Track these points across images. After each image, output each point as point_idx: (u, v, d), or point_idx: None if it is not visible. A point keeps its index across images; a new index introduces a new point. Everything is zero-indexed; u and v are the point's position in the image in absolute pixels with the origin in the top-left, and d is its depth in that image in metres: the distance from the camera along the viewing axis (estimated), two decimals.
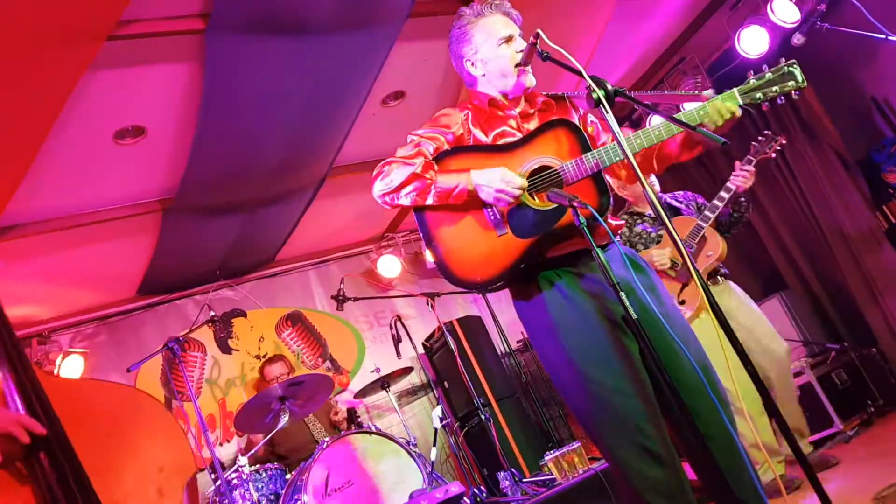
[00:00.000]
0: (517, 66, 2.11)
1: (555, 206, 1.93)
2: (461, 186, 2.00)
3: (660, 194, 3.76)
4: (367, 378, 4.97)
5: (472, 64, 2.21)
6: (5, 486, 1.22)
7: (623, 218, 3.68)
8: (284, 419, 3.87)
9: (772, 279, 5.30)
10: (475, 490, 4.11)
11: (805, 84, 1.95)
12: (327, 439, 3.89)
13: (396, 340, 4.72)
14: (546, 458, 3.88)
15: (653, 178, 3.66)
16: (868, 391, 4.22)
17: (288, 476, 3.90)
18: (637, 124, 5.42)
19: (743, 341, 1.74)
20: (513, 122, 2.15)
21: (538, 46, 1.95)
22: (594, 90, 1.79)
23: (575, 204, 1.79)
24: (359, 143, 4.39)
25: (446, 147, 2.13)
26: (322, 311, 5.87)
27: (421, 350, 5.42)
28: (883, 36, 3.15)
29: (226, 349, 5.43)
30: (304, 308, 5.81)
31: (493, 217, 2.03)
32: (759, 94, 1.95)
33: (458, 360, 4.62)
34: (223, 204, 4.40)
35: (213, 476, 3.88)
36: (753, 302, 3.59)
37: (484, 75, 2.19)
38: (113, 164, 3.73)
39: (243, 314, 5.59)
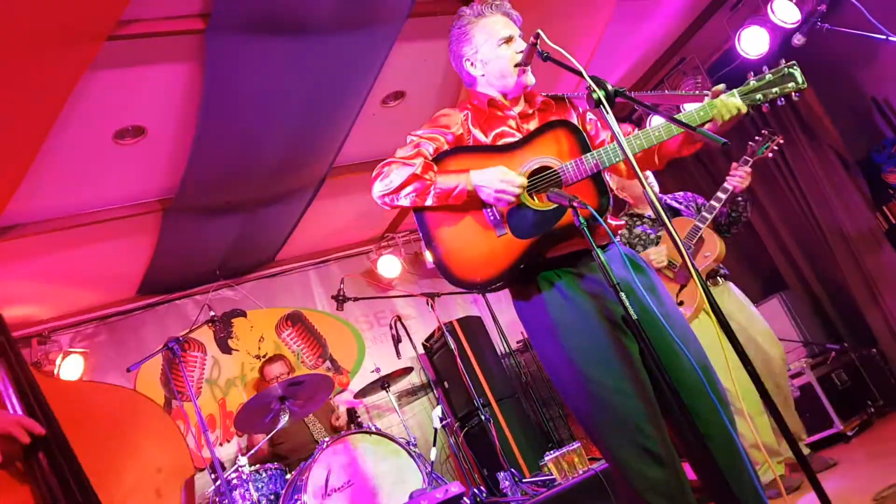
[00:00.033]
0: (517, 66, 2.11)
1: (555, 206, 1.93)
2: (461, 187, 1.99)
3: (660, 195, 3.76)
4: (367, 378, 4.97)
5: (472, 64, 2.21)
6: (5, 486, 1.22)
7: (622, 219, 3.68)
8: (284, 419, 3.88)
9: (772, 279, 5.30)
10: (475, 490, 4.11)
11: (805, 85, 1.95)
12: (327, 439, 3.89)
13: (396, 340, 4.72)
14: (546, 458, 3.87)
15: (652, 179, 3.67)
16: (868, 392, 4.22)
17: (288, 476, 3.91)
18: (637, 124, 5.41)
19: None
20: (512, 123, 2.15)
21: (538, 47, 1.95)
22: (594, 90, 1.79)
23: (575, 204, 1.79)
24: (359, 143, 4.39)
25: (446, 147, 2.13)
26: (322, 311, 5.87)
27: (421, 350, 5.43)
28: (883, 36, 3.15)
29: (226, 349, 5.43)
30: (304, 308, 5.81)
31: (492, 217, 2.03)
32: (759, 96, 1.96)
33: (458, 360, 4.62)
34: (223, 204, 4.40)
35: (213, 476, 3.88)
36: (752, 304, 3.59)
37: (483, 75, 2.19)
38: (113, 164, 3.73)
39: (243, 314, 5.59)
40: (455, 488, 3.52)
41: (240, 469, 3.80)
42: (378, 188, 2.09)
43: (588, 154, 1.96)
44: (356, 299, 5.09)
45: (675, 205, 3.69)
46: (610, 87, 1.81)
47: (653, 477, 1.86)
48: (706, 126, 1.96)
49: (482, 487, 4.38)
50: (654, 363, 1.74)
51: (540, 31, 1.92)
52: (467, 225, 2.06)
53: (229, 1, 2.89)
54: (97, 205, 4.06)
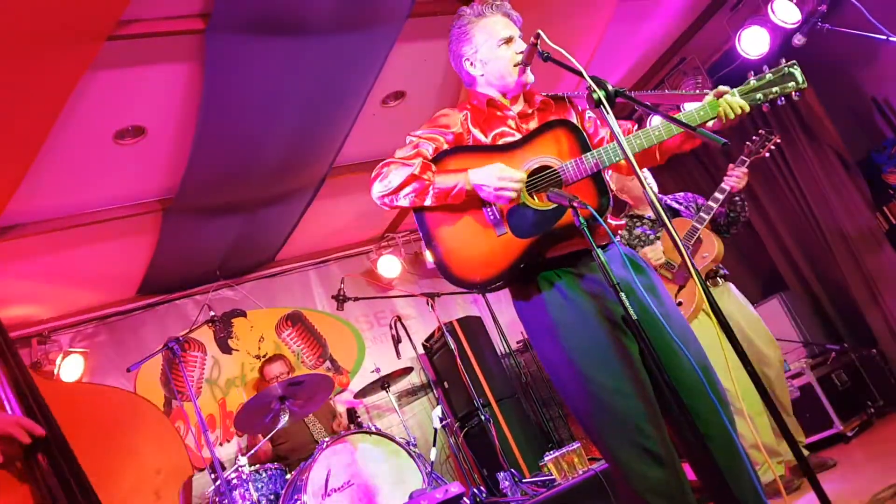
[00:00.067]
0: (517, 65, 2.11)
1: (554, 206, 1.93)
2: (459, 186, 1.99)
3: (660, 196, 3.76)
4: (367, 378, 4.97)
5: (472, 64, 2.21)
6: (5, 487, 1.22)
7: (622, 220, 3.68)
8: (284, 419, 3.88)
9: (772, 280, 5.30)
10: (475, 490, 4.11)
11: (805, 85, 1.95)
12: (327, 439, 3.89)
13: (396, 340, 4.73)
14: (546, 458, 3.87)
15: (651, 179, 3.67)
16: (868, 392, 4.22)
17: (288, 476, 3.91)
18: (638, 123, 5.41)
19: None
20: (512, 122, 2.15)
21: (539, 47, 1.95)
22: (595, 90, 1.79)
23: (575, 204, 1.79)
24: (359, 143, 4.38)
25: (445, 147, 2.13)
26: (322, 311, 5.87)
27: (421, 350, 5.43)
28: (883, 36, 3.15)
29: (226, 349, 5.43)
30: (304, 308, 5.81)
31: (492, 217, 2.02)
32: (759, 95, 1.96)
33: (458, 360, 4.62)
34: (223, 204, 4.40)
35: (213, 476, 3.88)
36: (751, 305, 3.59)
37: (483, 75, 2.19)
38: (113, 164, 3.73)
39: (243, 314, 5.59)
40: (455, 488, 3.52)
41: (240, 469, 3.80)
42: (377, 189, 2.09)
43: (588, 153, 1.96)
44: (356, 299, 5.09)
45: (675, 205, 3.69)
46: (610, 88, 1.80)
47: (653, 477, 1.86)
48: (708, 124, 1.96)
49: (482, 487, 4.38)
50: (653, 363, 1.74)
51: (540, 31, 1.92)
52: (467, 224, 2.06)
53: (229, 1, 2.89)
54: (97, 205, 4.06)
